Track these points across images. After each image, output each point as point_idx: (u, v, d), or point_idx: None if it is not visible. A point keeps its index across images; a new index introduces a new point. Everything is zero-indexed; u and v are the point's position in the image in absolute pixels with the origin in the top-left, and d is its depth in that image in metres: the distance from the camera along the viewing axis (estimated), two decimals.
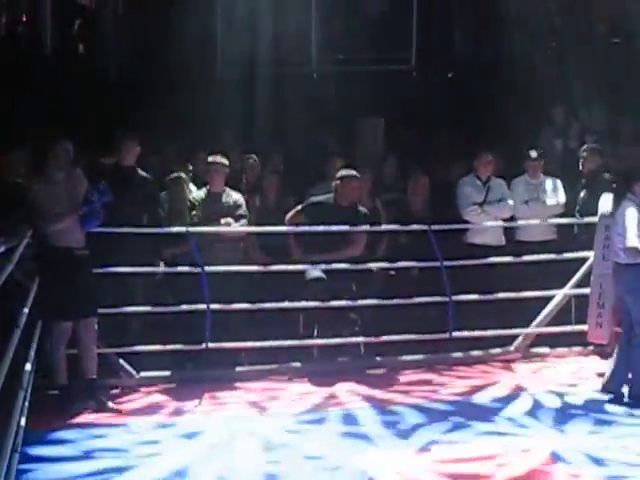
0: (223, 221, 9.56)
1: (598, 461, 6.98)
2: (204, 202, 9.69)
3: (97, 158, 10.95)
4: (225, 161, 9.81)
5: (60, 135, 9.91)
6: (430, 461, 7.04)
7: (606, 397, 8.56)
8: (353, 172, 9.85)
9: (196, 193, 9.80)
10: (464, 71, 14.25)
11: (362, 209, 9.90)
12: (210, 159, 9.80)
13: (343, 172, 9.88)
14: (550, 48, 14.29)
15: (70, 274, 8.21)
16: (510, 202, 10.63)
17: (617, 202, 8.67)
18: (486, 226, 10.53)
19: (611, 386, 8.63)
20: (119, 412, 8.39)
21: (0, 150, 10.00)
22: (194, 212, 9.63)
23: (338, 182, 9.83)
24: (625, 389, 8.56)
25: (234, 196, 9.78)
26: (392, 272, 10.25)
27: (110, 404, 8.49)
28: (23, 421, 6.81)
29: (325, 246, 9.71)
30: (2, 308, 7.16)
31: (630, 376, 8.55)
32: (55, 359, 8.33)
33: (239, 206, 9.72)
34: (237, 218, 9.65)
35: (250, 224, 9.87)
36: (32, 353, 7.54)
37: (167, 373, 9.37)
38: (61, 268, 8.24)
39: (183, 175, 10.12)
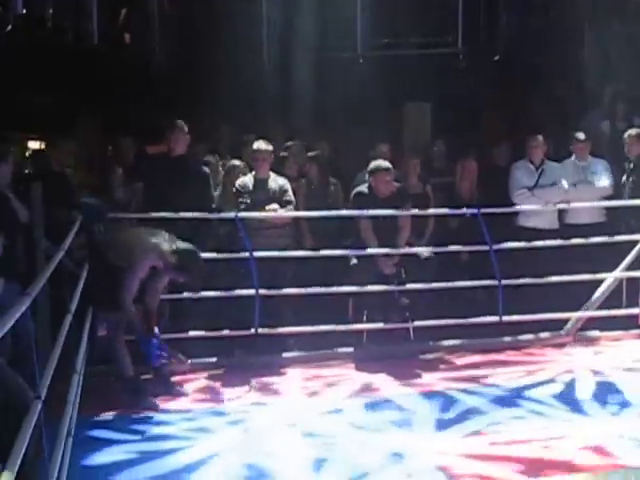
0: (268, 207, 9.58)
1: None
2: (251, 188, 9.73)
3: (144, 147, 11.07)
4: (270, 147, 9.84)
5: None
6: (482, 445, 7.00)
7: None
8: (384, 164, 9.75)
9: (242, 180, 9.83)
10: (511, 53, 14.14)
11: (400, 193, 9.82)
12: (255, 146, 9.83)
13: (373, 165, 9.79)
14: (598, 28, 14.12)
15: (103, 262, 8.19)
16: (561, 185, 10.56)
17: None
18: (534, 209, 10.48)
19: None
20: (185, 396, 8.46)
21: (48, 140, 10.10)
22: (241, 199, 9.66)
23: (370, 176, 9.78)
24: None
25: (280, 182, 9.80)
26: (430, 255, 10.18)
27: (178, 388, 8.57)
28: (77, 406, 6.87)
29: (383, 234, 9.70)
30: (54, 295, 7.24)
31: None
32: (115, 350, 8.30)
33: (285, 191, 9.74)
34: (284, 204, 9.67)
35: (296, 210, 9.89)
36: (85, 339, 7.58)
37: (216, 359, 9.41)
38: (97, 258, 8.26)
39: (238, 163, 10.18)
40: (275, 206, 9.60)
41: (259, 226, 9.56)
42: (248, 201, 9.64)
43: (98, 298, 8.17)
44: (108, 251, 8.10)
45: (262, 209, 9.58)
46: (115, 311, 8.12)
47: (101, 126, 11.78)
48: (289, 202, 9.71)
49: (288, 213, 9.71)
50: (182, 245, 8.03)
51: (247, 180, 9.80)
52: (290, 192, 9.78)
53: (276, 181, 9.80)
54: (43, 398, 4.80)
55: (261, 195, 9.66)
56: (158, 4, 14.35)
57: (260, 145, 9.79)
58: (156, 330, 8.23)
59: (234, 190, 9.78)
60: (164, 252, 7.94)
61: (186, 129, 9.68)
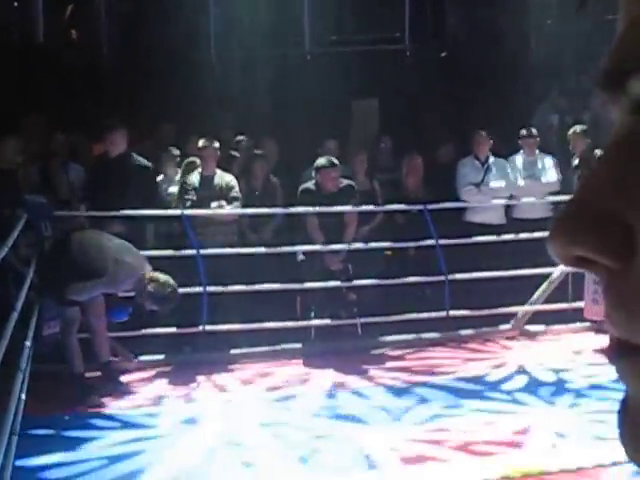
0: (215, 204, 9.59)
1: (591, 435, 6.99)
2: (197, 185, 9.73)
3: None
4: (216, 144, 9.84)
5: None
6: (427, 437, 7.05)
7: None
8: (329, 161, 9.75)
9: (188, 177, 9.82)
10: (458, 50, 14.23)
11: (347, 189, 9.85)
12: (201, 143, 9.83)
13: (319, 162, 9.80)
14: (545, 24, 14.25)
15: (69, 258, 8.17)
16: (507, 181, 10.63)
17: None
18: (481, 205, 10.56)
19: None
20: (134, 393, 8.44)
21: None
22: (187, 196, 9.66)
23: (316, 172, 9.82)
24: None
25: (226, 178, 9.81)
26: (388, 252, 10.27)
27: (126, 386, 8.55)
28: (21, 406, 6.82)
29: (329, 230, 9.74)
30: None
31: None
32: (68, 347, 8.27)
33: (231, 188, 9.74)
34: (230, 200, 9.68)
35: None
36: (30, 337, 7.53)
37: (165, 357, 9.39)
38: (63, 253, 8.23)
39: (194, 160, 10.17)
40: (221, 202, 9.61)
41: (205, 222, 9.56)
42: (194, 198, 9.64)
43: (61, 293, 8.13)
44: (83, 254, 8.07)
45: (208, 206, 9.58)
46: (72, 307, 8.12)
47: (47, 124, 11.66)
48: (235, 199, 9.72)
49: (234, 210, 9.72)
50: (162, 276, 8.06)
51: (193, 177, 9.80)
52: (237, 189, 9.78)
53: (222, 178, 9.80)
54: None
55: (207, 192, 9.66)
56: (105, 0, 14.28)
57: (206, 142, 9.79)
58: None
59: (181, 187, 9.77)
60: (144, 279, 7.96)
61: (122, 129, 9.63)
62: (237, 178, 10.04)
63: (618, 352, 0.66)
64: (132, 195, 9.23)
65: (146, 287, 7.97)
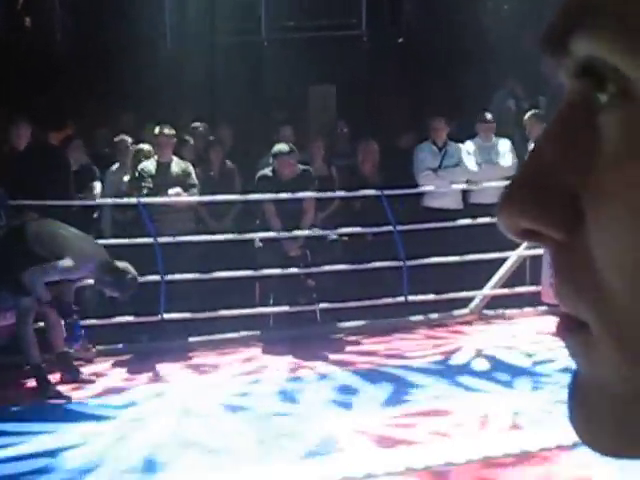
0: (172, 191, 9.55)
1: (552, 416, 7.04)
2: (153, 173, 9.68)
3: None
4: (172, 131, 9.82)
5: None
6: (389, 422, 7.06)
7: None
8: (286, 147, 9.75)
9: (144, 164, 9.77)
10: (415, 36, 14.24)
11: (304, 175, 9.84)
12: (156, 130, 9.80)
13: (276, 148, 9.78)
14: (502, 9, 14.28)
15: (23, 247, 8.09)
16: (464, 166, 10.67)
17: None
18: (438, 190, 10.58)
19: None
20: (93, 382, 8.39)
21: None
22: (143, 183, 9.61)
23: (274, 158, 9.79)
24: None
25: (183, 165, 9.78)
26: (345, 238, 10.27)
27: (84, 375, 8.49)
28: None
29: (287, 217, 9.71)
30: None
31: None
32: (24, 337, 8.18)
33: (188, 174, 9.72)
34: (187, 187, 9.65)
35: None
36: None
37: (123, 346, 9.34)
38: (15, 242, 8.15)
39: (143, 147, 10.11)
40: (178, 190, 9.57)
41: (162, 210, 9.51)
42: (150, 185, 9.59)
43: (15, 283, 8.05)
44: (38, 242, 7.97)
45: (165, 193, 9.53)
46: (28, 296, 8.04)
47: (3, 113, 11.54)
48: (192, 185, 9.69)
49: (191, 197, 9.68)
50: (120, 263, 8.00)
51: (149, 164, 9.75)
52: (193, 175, 9.76)
53: (179, 165, 9.77)
54: None
55: (164, 179, 9.61)
56: None
57: (161, 129, 9.75)
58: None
59: (137, 174, 9.72)
60: (102, 266, 7.90)
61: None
62: (193, 165, 10.02)
63: (567, 328, 0.65)
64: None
65: (105, 274, 7.93)
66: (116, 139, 10.75)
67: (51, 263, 7.82)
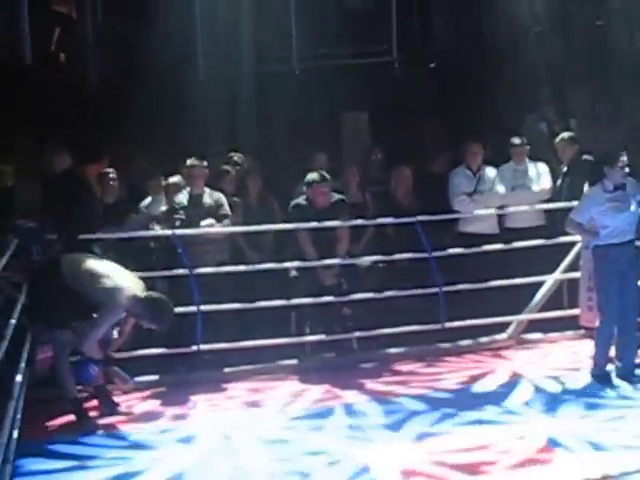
0: (204, 222, 9.58)
1: (594, 445, 6.95)
2: (186, 204, 9.72)
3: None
4: (204, 163, 9.86)
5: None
6: (429, 452, 7.01)
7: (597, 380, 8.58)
8: (319, 176, 9.74)
9: (178, 197, 9.82)
10: (446, 60, 14.22)
11: (338, 204, 9.83)
12: (188, 162, 9.84)
13: (309, 177, 9.78)
14: (533, 32, 14.23)
15: (59, 281, 8.14)
16: (498, 191, 10.63)
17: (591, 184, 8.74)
18: (473, 215, 10.55)
19: (595, 369, 8.66)
20: (130, 415, 8.41)
21: None
22: (176, 215, 9.65)
23: (307, 187, 9.79)
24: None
25: (215, 196, 9.82)
26: (380, 265, 10.25)
27: (121, 408, 8.51)
28: (15, 433, 6.79)
29: (322, 245, 9.72)
30: None
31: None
32: (61, 371, 8.22)
33: (220, 205, 9.75)
34: (219, 218, 9.68)
35: (236, 224, 9.90)
36: (22, 364, 7.49)
37: (160, 377, 9.36)
38: (53, 277, 8.21)
39: (174, 180, 10.15)
40: (211, 221, 9.61)
41: (195, 242, 9.53)
42: (183, 217, 9.63)
43: (51, 316, 8.11)
44: (73, 278, 8.04)
45: (197, 225, 9.57)
46: (67, 330, 8.10)
47: (37, 146, 11.65)
48: (225, 216, 9.72)
49: (225, 228, 9.70)
50: (154, 294, 8.10)
51: (182, 196, 9.80)
52: (226, 206, 9.78)
53: (211, 196, 9.81)
54: None
55: (196, 211, 9.65)
56: (93, 23, 14.27)
57: (193, 161, 9.80)
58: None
59: (170, 207, 9.76)
60: (137, 299, 7.97)
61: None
62: (233, 195, 10.04)
63: None
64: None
65: (142, 307, 7.97)
66: (149, 181, 10.79)
67: (96, 316, 7.87)
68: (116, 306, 7.91)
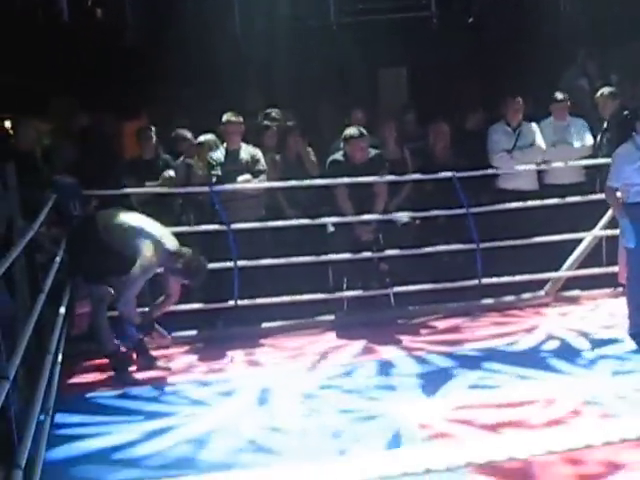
0: (241, 178, 9.58)
1: (630, 404, 6.89)
2: (222, 160, 9.72)
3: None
4: (239, 119, 9.82)
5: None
6: (464, 408, 6.98)
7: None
8: (357, 131, 9.71)
9: (214, 153, 9.80)
10: (485, 15, 14.06)
11: (376, 159, 9.79)
12: (224, 118, 9.81)
13: (347, 132, 9.74)
14: None
15: (95, 237, 8.18)
16: (538, 146, 10.52)
17: (622, 142, 8.59)
18: (511, 171, 10.45)
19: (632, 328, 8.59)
20: (168, 370, 8.48)
21: (18, 120, 10.05)
22: (213, 172, 9.64)
23: (345, 143, 9.74)
24: None
25: (251, 151, 9.79)
26: (418, 221, 10.21)
27: (159, 362, 8.58)
28: (54, 386, 6.86)
29: (359, 201, 9.69)
30: (28, 273, 7.20)
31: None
32: (99, 326, 8.33)
33: (257, 161, 9.74)
34: (256, 173, 9.66)
35: (274, 179, 9.89)
36: (60, 318, 7.54)
37: (198, 332, 9.41)
38: (89, 232, 8.25)
39: (205, 138, 10.11)
40: (247, 176, 9.60)
41: (232, 197, 9.54)
42: (219, 173, 9.62)
43: (89, 271, 8.19)
44: (108, 233, 8.12)
45: (234, 180, 9.56)
46: (104, 284, 8.18)
47: (76, 104, 11.67)
48: (261, 171, 9.71)
49: (261, 184, 9.69)
50: (187, 250, 8.16)
51: (218, 153, 9.78)
52: (262, 161, 9.76)
53: (247, 151, 9.78)
54: (11, 378, 4.76)
55: (232, 166, 9.64)
56: None
57: (229, 117, 9.77)
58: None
59: (206, 163, 9.75)
60: (170, 254, 8.06)
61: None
62: (273, 150, 10.07)
63: None
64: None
65: (175, 262, 8.02)
66: (173, 134, 10.77)
67: (131, 271, 7.91)
68: (150, 260, 7.95)
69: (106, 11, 14.45)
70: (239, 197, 9.59)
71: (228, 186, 9.54)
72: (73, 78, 11.90)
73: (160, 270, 8.19)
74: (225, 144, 9.82)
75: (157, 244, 8.02)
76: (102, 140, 9.91)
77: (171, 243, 8.16)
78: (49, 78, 11.79)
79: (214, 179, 9.59)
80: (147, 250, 7.95)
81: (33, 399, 5.58)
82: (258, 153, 9.81)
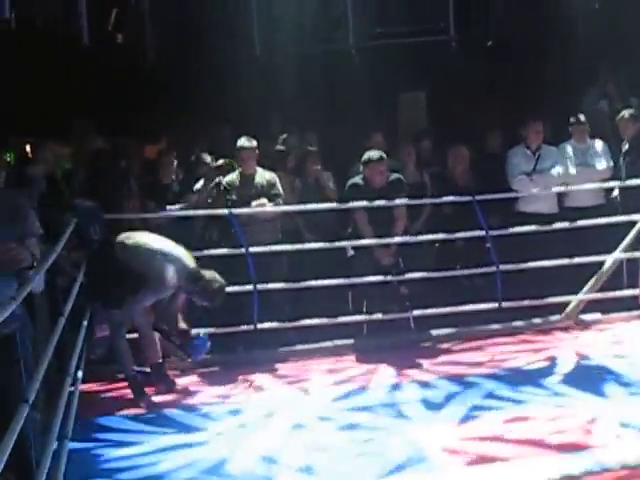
0: (255, 202, 9.58)
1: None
2: (237, 185, 9.73)
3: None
4: (253, 143, 9.79)
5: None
6: (484, 434, 6.94)
7: None
8: (376, 155, 9.69)
9: (229, 177, 9.81)
10: (504, 37, 14.08)
11: (395, 183, 9.78)
12: (239, 143, 9.80)
13: (366, 156, 9.73)
14: (592, 8, 14.05)
15: (114, 260, 8.20)
16: (558, 170, 10.49)
17: None
18: (532, 194, 10.43)
19: None
20: (187, 392, 8.47)
21: (37, 142, 10.11)
22: (228, 196, 9.65)
23: (364, 166, 9.74)
24: None
25: (267, 176, 9.79)
26: (438, 244, 10.19)
27: (179, 386, 8.57)
28: (73, 409, 6.86)
29: (379, 225, 9.69)
30: (48, 296, 7.22)
31: None
32: (118, 349, 8.34)
33: (273, 185, 9.73)
34: (272, 197, 9.66)
35: (292, 203, 9.90)
36: (80, 342, 7.55)
37: (218, 356, 9.39)
38: (107, 256, 8.27)
39: (220, 162, 10.15)
40: (263, 201, 9.60)
41: (249, 221, 9.55)
42: (234, 197, 9.63)
43: (107, 296, 8.21)
44: (127, 255, 8.15)
45: (249, 205, 9.57)
46: (121, 309, 8.18)
47: (96, 127, 11.73)
48: (277, 195, 9.70)
49: (277, 207, 9.69)
50: (208, 272, 8.21)
51: (234, 177, 9.80)
52: (278, 185, 9.76)
53: (263, 176, 9.78)
54: (31, 402, 4.76)
55: (248, 191, 9.65)
56: (149, 2, 14.31)
57: (243, 143, 9.77)
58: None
59: (222, 188, 9.76)
60: (190, 276, 8.10)
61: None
62: (290, 175, 10.12)
63: None
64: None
65: (194, 284, 8.04)
66: (193, 158, 10.80)
67: (142, 292, 7.95)
68: (168, 281, 7.98)
69: (126, 34, 14.54)
70: (255, 221, 9.60)
71: (246, 209, 9.55)
72: (93, 101, 11.97)
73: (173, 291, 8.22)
74: (240, 169, 9.83)
75: (176, 265, 8.05)
76: (114, 164, 9.93)
77: (190, 264, 8.18)
78: (68, 101, 11.86)
79: (229, 204, 9.59)
80: (166, 271, 7.98)
81: (51, 423, 5.58)
82: (274, 177, 9.81)
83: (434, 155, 11.23)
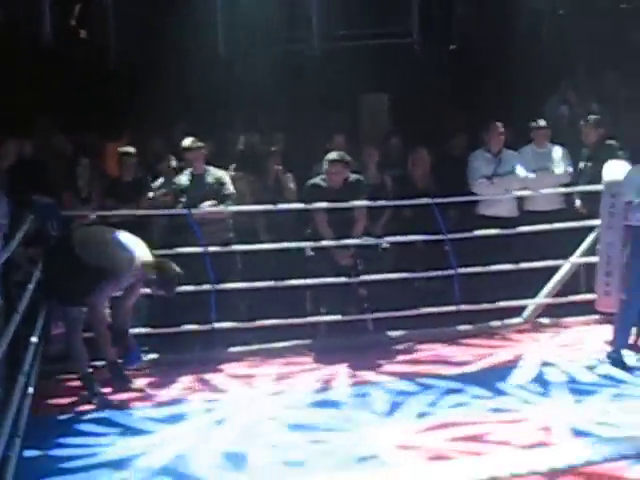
0: (205, 204, 9.55)
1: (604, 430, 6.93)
2: (187, 185, 9.72)
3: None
4: (200, 143, 9.79)
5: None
6: (438, 430, 7.03)
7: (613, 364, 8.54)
8: (335, 156, 9.70)
9: (178, 178, 9.79)
10: (467, 42, 14.14)
11: (355, 184, 9.79)
12: (183, 144, 9.80)
13: (329, 156, 9.74)
14: (555, 15, 14.14)
15: (71, 256, 8.15)
16: (518, 173, 10.54)
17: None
18: (491, 197, 10.47)
19: (611, 353, 8.64)
20: (142, 391, 8.44)
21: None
22: (178, 197, 9.63)
23: (326, 166, 9.75)
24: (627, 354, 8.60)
25: (217, 175, 9.77)
26: (397, 246, 10.20)
27: (133, 384, 8.53)
28: (26, 407, 6.81)
29: (338, 226, 9.68)
30: (2, 292, 7.17)
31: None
32: (74, 346, 8.28)
33: (223, 184, 9.70)
34: (222, 198, 9.64)
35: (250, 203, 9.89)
36: (34, 339, 7.50)
37: (174, 355, 9.35)
38: (64, 253, 8.22)
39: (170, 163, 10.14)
40: (212, 202, 9.57)
41: (200, 221, 9.53)
42: (184, 199, 9.60)
43: (63, 293, 8.14)
44: (83, 248, 8.07)
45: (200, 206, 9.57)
46: (78, 306, 8.14)
47: (59, 124, 11.65)
48: (227, 196, 9.67)
49: (230, 208, 9.67)
50: (163, 261, 8.24)
51: (183, 177, 9.78)
52: (229, 184, 9.73)
53: (213, 175, 9.76)
54: None
55: (198, 191, 9.63)
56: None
57: (188, 143, 9.76)
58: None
59: (172, 189, 9.74)
60: (147, 266, 8.09)
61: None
62: (250, 175, 10.06)
63: None
64: None
65: (150, 273, 8.06)
66: (152, 155, 10.78)
67: (97, 286, 7.91)
68: (119, 270, 7.97)
69: (90, 31, 14.47)
70: (206, 221, 9.56)
71: (205, 208, 9.52)
72: (56, 97, 11.90)
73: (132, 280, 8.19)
74: (190, 169, 9.81)
75: (131, 254, 8.03)
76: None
77: (146, 252, 8.17)
78: (32, 97, 11.79)
79: (179, 205, 9.58)
80: (120, 259, 7.96)
81: (3, 421, 5.54)
82: (224, 177, 9.78)
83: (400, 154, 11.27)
